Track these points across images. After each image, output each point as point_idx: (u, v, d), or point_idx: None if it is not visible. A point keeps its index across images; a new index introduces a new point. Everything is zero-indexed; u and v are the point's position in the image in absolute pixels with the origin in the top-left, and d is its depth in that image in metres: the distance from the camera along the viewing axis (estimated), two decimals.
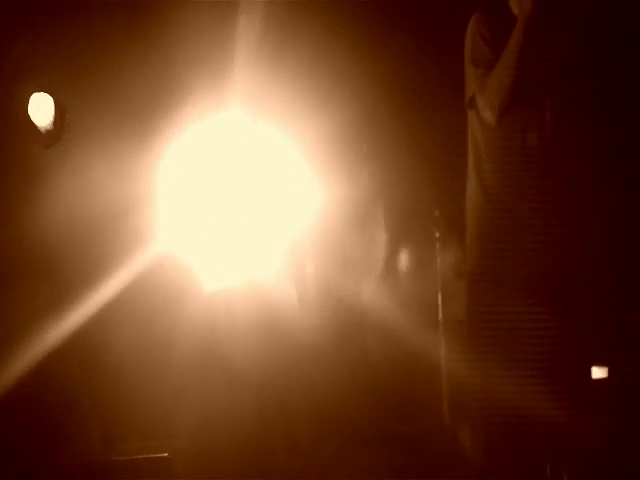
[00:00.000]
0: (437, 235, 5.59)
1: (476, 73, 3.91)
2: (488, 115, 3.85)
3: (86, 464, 4.66)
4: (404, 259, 6.06)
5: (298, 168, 5.73)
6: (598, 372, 5.02)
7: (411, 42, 5.53)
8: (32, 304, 5.14)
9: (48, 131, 5.38)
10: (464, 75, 4.04)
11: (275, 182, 5.71)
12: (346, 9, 5.52)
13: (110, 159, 5.42)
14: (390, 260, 5.90)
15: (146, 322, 5.27)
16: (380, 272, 5.86)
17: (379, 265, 5.86)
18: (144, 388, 5.11)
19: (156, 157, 5.57)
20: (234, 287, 5.58)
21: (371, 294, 5.85)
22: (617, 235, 5.08)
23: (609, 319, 5.07)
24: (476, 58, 3.93)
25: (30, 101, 5.28)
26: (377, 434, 5.44)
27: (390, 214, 5.84)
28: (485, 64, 3.89)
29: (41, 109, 5.36)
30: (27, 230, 5.20)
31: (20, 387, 4.87)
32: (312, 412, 5.57)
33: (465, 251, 4.24)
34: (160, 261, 5.42)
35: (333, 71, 5.58)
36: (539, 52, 3.80)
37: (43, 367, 4.96)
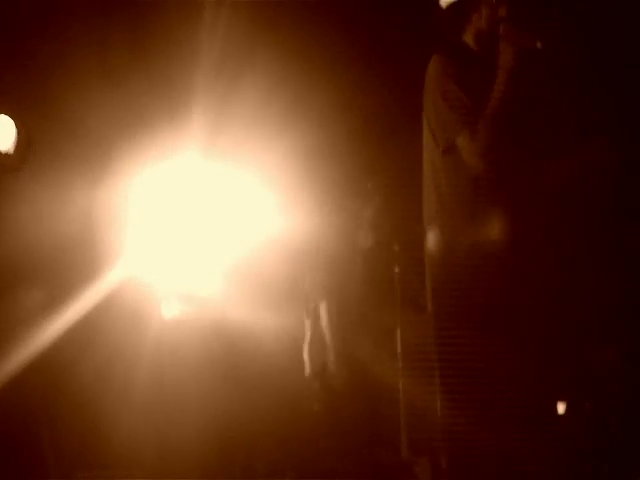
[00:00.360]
0: (396, 269, 5.63)
1: (457, 119, 3.84)
2: (476, 160, 3.80)
3: None
4: (363, 290, 6.11)
5: (254, 196, 5.80)
6: (558, 407, 5.12)
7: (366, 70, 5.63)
8: None
9: (9, 155, 5.31)
10: (422, 112, 4.02)
11: (231, 210, 5.80)
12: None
13: (70, 187, 5.43)
14: (350, 292, 5.94)
15: (107, 349, 5.25)
16: (338, 304, 5.88)
17: (337, 296, 5.89)
18: (104, 415, 5.10)
19: (117, 185, 5.59)
20: (191, 312, 5.65)
21: (328, 325, 5.88)
22: (576, 268, 5.21)
23: (568, 355, 5.19)
24: (452, 102, 3.86)
25: None
26: (336, 466, 5.48)
27: (349, 244, 5.87)
28: (464, 109, 3.82)
29: (2, 133, 5.30)
30: None
31: None
32: (268, 441, 5.58)
33: (424, 284, 4.22)
34: (120, 288, 5.43)
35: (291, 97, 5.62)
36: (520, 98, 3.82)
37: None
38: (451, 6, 3.91)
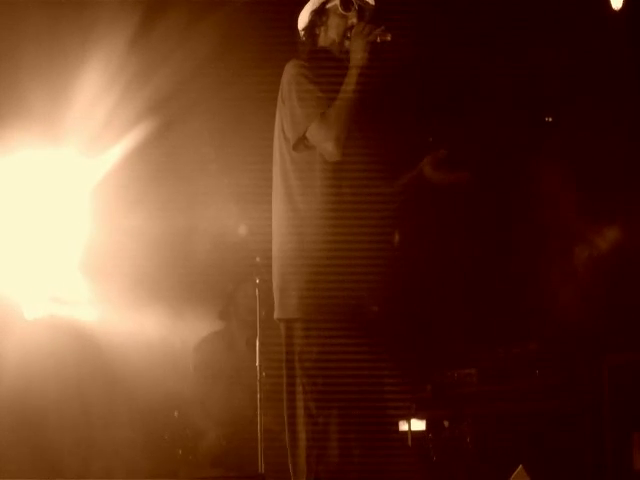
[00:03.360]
0: (257, 280, 5.48)
1: (306, 112, 3.98)
2: (330, 146, 3.89)
3: None
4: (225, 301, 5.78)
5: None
6: (417, 425, 5.92)
7: None
8: None
9: None
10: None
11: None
12: None
13: None
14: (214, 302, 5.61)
15: None
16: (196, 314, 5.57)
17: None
18: None
19: None
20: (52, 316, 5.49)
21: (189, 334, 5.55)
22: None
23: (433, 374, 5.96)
24: (305, 98, 4.02)
25: None
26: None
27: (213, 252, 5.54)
28: (316, 102, 3.98)
29: None
30: None
31: None
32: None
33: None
34: None
35: None
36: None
37: None
38: (306, 28, 4.17)
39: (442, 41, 5.68)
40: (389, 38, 3.92)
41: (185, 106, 5.56)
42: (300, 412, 3.91)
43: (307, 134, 3.94)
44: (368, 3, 4.15)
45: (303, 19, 4.17)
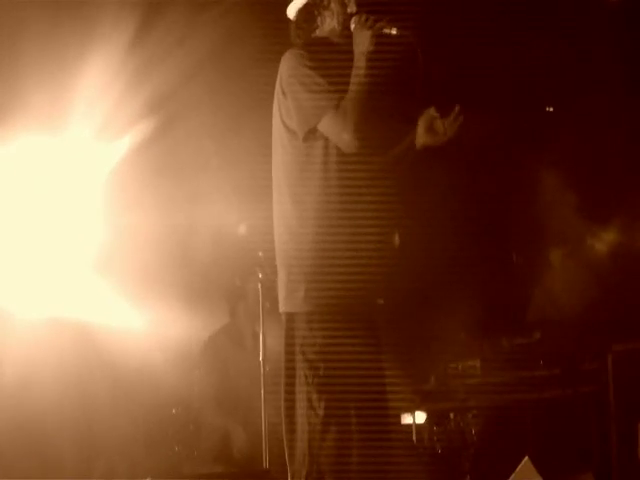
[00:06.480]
0: (260, 275, 5.48)
1: (316, 104, 3.91)
2: (348, 137, 3.86)
3: None
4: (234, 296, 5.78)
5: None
6: (420, 417, 5.92)
7: None
8: None
9: None
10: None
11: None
12: None
13: None
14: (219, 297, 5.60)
15: None
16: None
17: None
18: None
19: None
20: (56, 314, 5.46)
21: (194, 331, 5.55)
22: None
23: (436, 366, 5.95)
24: (311, 89, 3.95)
25: None
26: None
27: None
28: (325, 93, 3.91)
29: None
30: None
31: None
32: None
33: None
34: None
35: None
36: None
37: None
38: (299, 12, 4.08)
39: (443, 32, 5.67)
40: (394, 32, 3.87)
41: (187, 103, 5.55)
42: (299, 404, 3.88)
43: (319, 126, 3.89)
44: None
45: (296, 5, 4.09)
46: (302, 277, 3.90)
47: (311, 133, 3.91)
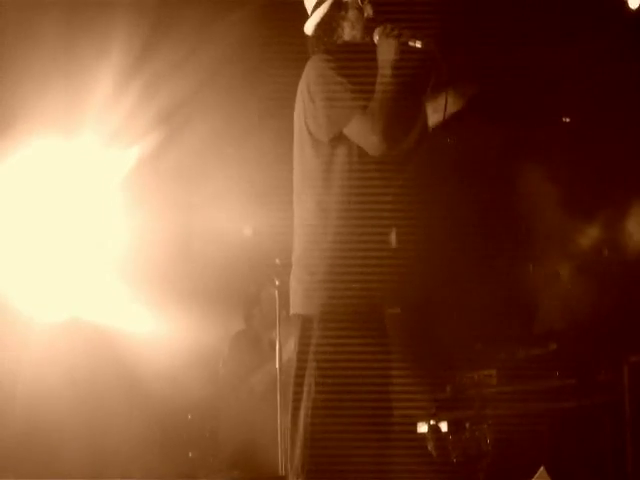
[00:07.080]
0: (277, 282, 5.50)
1: (345, 108, 3.90)
2: (377, 140, 3.87)
3: None
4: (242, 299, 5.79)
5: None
6: (435, 426, 5.91)
7: None
8: None
9: None
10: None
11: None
12: None
13: None
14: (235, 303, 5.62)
15: None
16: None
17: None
18: None
19: None
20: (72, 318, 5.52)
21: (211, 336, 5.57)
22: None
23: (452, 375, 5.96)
24: (337, 93, 3.93)
25: None
26: None
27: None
28: (351, 96, 3.91)
29: None
30: None
31: None
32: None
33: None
34: None
35: None
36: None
37: None
38: (318, 27, 4.10)
39: (459, 40, 5.68)
40: (419, 45, 3.89)
41: (201, 108, 5.58)
42: (304, 404, 3.84)
43: (346, 129, 3.91)
44: None
45: (319, 14, 4.09)
46: (322, 282, 3.90)
47: (335, 139, 3.94)
